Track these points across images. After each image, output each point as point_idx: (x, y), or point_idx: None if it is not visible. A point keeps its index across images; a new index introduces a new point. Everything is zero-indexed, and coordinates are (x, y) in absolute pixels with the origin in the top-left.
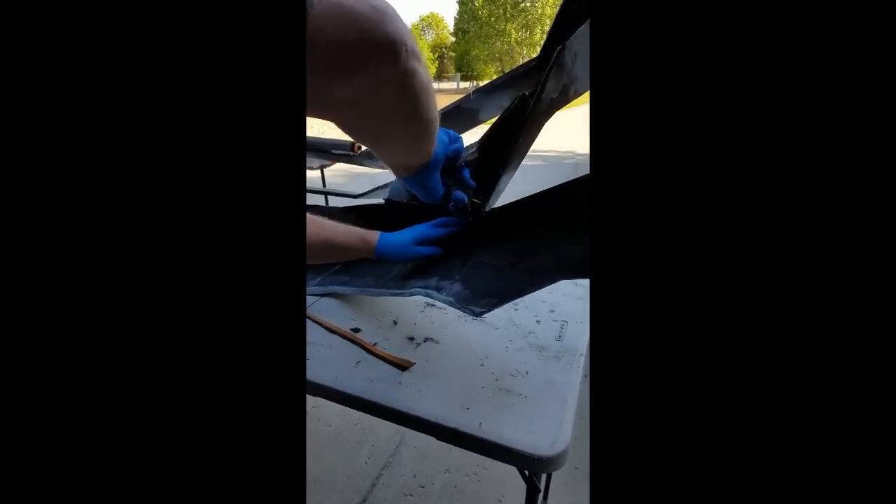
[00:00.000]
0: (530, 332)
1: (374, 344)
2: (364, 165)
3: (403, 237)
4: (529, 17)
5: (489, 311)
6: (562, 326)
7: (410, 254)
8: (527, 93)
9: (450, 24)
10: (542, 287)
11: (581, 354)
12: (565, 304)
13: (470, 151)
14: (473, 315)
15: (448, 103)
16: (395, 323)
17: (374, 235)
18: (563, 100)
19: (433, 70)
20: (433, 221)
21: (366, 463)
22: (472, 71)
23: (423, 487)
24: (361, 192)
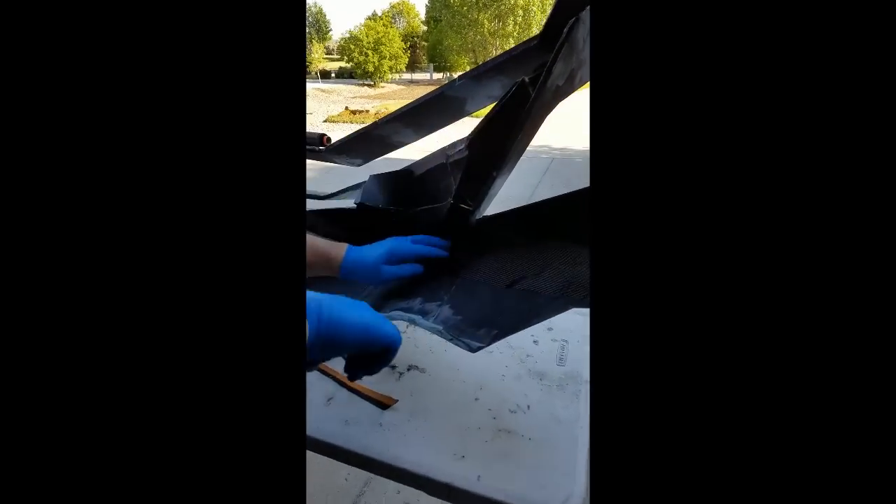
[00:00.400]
0: (528, 356)
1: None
2: (334, 162)
3: (372, 255)
4: (502, 6)
5: (487, 345)
6: (562, 347)
7: (380, 276)
8: (526, 79)
9: (421, 12)
10: (547, 318)
11: (587, 381)
12: (564, 319)
13: (458, 149)
14: (469, 350)
15: (423, 95)
16: None
17: (339, 251)
18: (568, 88)
19: (405, 60)
20: (413, 237)
21: (346, 480)
22: (445, 61)
23: None
24: (330, 192)
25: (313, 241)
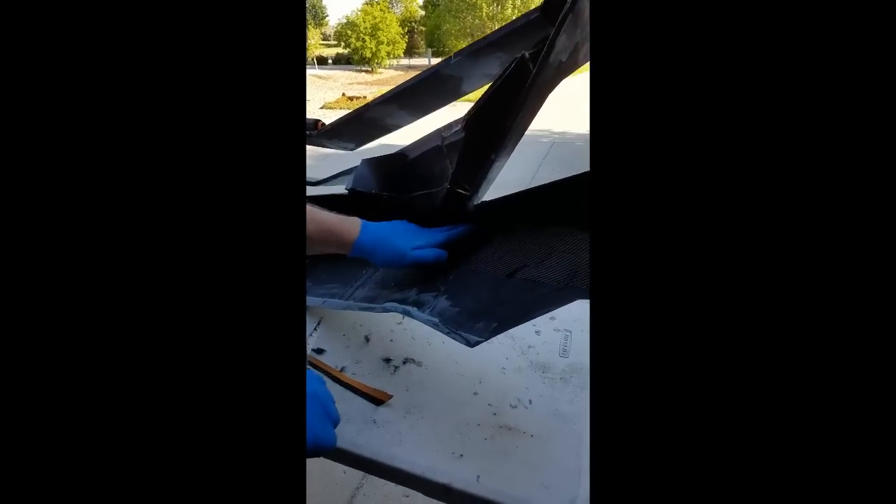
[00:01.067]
0: (530, 347)
1: (342, 369)
2: (325, 147)
3: (401, 239)
4: None
5: (487, 339)
6: (565, 338)
7: (405, 261)
8: (527, 54)
9: None
10: (551, 310)
11: None
12: (567, 308)
13: (454, 130)
14: (467, 344)
15: (417, 74)
16: (367, 340)
17: (352, 228)
18: (572, 63)
19: (402, 46)
20: (441, 229)
21: (344, 473)
22: (444, 46)
23: (407, 496)
24: (322, 178)
25: (318, 215)
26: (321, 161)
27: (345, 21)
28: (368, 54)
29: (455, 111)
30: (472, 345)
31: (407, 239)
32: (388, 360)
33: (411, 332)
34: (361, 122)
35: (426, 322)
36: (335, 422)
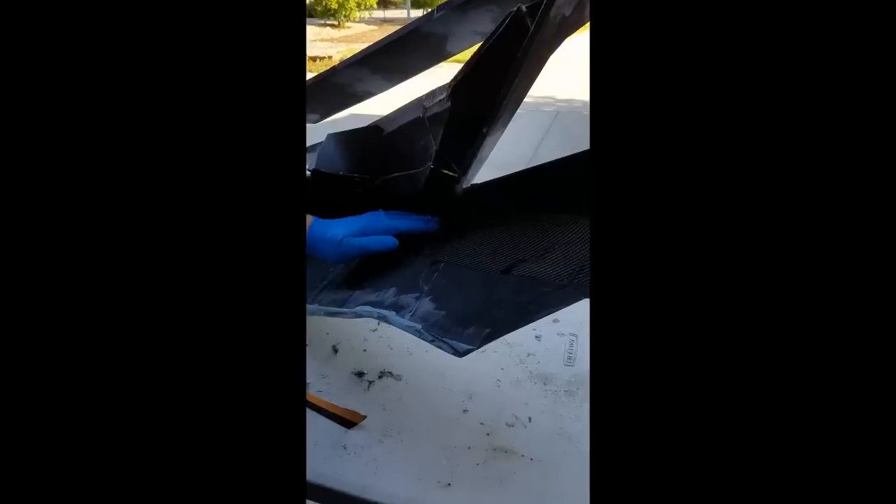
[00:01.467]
0: (529, 355)
1: (305, 386)
2: None
3: (337, 228)
4: None
5: (479, 347)
6: (571, 343)
7: (344, 251)
8: (524, 7)
9: None
10: (553, 311)
11: None
12: (572, 310)
13: (438, 99)
14: (455, 353)
15: (394, 32)
16: (336, 350)
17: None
18: (577, 18)
19: None
20: (389, 212)
21: None
22: None
23: None
24: None
25: None
26: None
27: None
28: (334, 5)
29: (439, 75)
30: (460, 354)
31: (342, 227)
32: (360, 374)
33: (388, 341)
34: (327, 89)
35: (406, 329)
36: None
